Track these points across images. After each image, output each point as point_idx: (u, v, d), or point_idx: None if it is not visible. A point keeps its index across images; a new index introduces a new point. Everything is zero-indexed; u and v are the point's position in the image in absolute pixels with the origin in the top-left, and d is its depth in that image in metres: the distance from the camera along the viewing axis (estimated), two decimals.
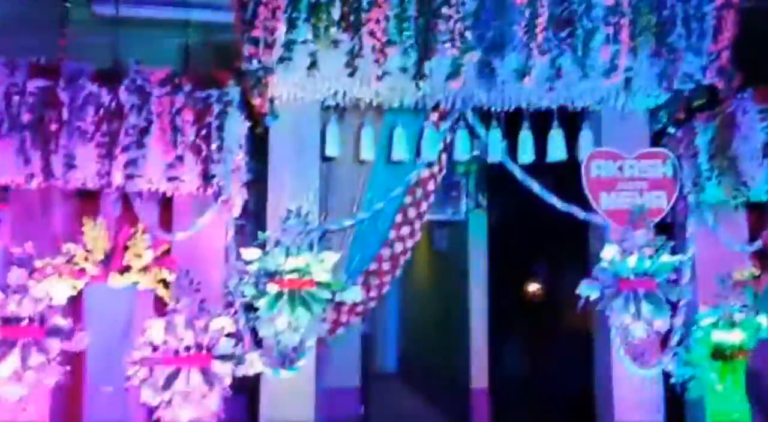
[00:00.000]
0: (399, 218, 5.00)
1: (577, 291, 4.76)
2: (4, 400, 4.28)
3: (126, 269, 4.49)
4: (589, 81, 4.40)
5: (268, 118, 4.49)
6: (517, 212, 6.44)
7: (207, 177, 3.91)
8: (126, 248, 4.51)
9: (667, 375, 4.75)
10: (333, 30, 3.84)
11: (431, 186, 5.06)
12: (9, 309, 4.30)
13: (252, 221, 4.77)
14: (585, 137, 4.94)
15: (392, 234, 5.00)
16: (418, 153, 4.93)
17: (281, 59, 3.80)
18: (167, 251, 4.58)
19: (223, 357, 4.45)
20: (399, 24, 3.82)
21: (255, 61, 3.88)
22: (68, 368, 4.32)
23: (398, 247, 5.00)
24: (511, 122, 4.93)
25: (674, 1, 3.96)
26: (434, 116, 4.93)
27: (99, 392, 4.53)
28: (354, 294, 4.68)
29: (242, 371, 4.48)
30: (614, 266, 4.75)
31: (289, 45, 3.78)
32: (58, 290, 4.38)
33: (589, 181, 4.91)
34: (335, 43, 3.87)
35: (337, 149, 4.80)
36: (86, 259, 4.43)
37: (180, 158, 3.84)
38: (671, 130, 4.84)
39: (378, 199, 4.94)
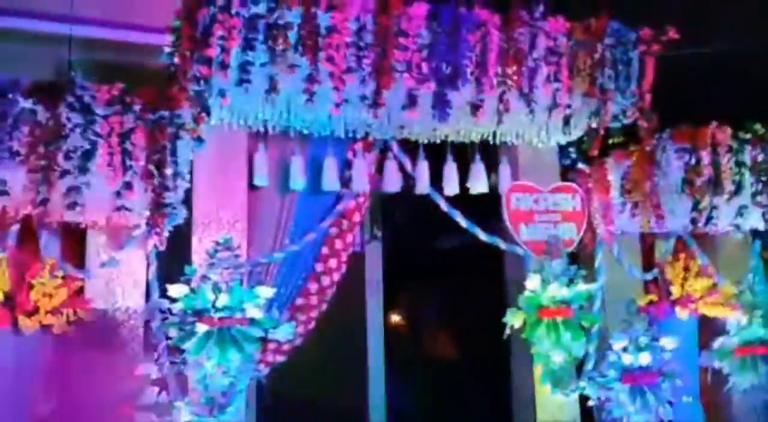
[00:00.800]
0: (325, 250, 4.87)
1: (504, 320, 4.88)
2: None
3: (34, 310, 3.95)
4: (511, 116, 4.59)
5: (194, 143, 4.19)
6: (411, 244, 6.53)
7: (159, 206, 3.54)
8: (31, 286, 3.97)
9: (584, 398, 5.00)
10: (290, 54, 3.68)
11: (357, 217, 4.98)
12: None
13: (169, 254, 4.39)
14: (504, 170, 5.13)
15: (319, 267, 4.85)
16: (343, 184, 4.85)
17: (240, 81, 3.57)
18: (80, 290, 4.09)
19: (148, 408, 4.05)
20: (357, 52, 3.75)
21: (202, 83, 3.61)
22: None
23: (325, 280, 4.85)
24: (431, 155, 5.01)
25: (604, 46, 4.26)
26: (359, 146, 4.89)
27: None
28: (287, 332, 4.44)
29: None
30: (536, 295, 4.93)
31: (245, 67, 3.57)
32: None
33: (509, 213, 5.09)
34: (292, 67, 3.71)
35: (265, 178, 4.59)
36: None
37: (129, 185, 3.45)
38: (581, 165, 5.16)
39: (304, 230, 4.78)
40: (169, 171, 3.51)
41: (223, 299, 4.25)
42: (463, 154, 5.02)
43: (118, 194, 3.46)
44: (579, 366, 5.05)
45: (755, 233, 5.30)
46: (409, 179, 4.97)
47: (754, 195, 4.53)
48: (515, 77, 4.06)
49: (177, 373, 4.18)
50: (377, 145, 4.92)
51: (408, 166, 4.95)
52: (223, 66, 3.58)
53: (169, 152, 3.50)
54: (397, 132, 4.80)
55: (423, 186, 4.93)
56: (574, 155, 5.17)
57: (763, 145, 4.53)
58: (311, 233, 4.72)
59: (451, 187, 4.97)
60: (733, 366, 5.24)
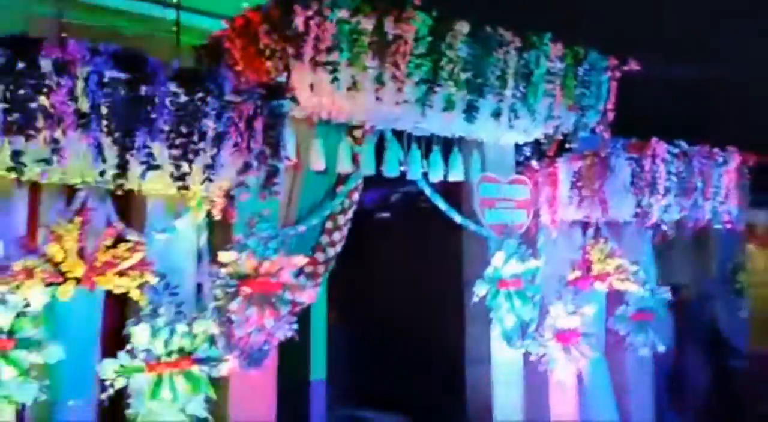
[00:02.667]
0: (329, 224, 5.45)
1: (474, 289, 5.81)
2: None
3: (101, 272, 4.21)
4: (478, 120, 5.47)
5: None
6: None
7: (268, 183, 3.97)
8: (104, 250, 4.23)
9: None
10: (364, 56, 4.28)
11: (356, 196, 5.60)
12: None
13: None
14: (475, 162, 6.02)
15: (324, 239, 5.43)
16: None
17: (334, 79, 4.10)
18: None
19: (203, 361, 4.46)
20: (416, 59, 4.42)
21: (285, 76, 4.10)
22: (46, 382, 3.93)
23: (330, 252, 5.45)
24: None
25: (583, 70, 5.28)
26: (358, 133, 5.51)
27: (68, 406, 4.16)
28: (310, 295, 5.01)
29: (217, 372, 4.54)
30: (497, 270, 5.91)
31: (335, 66, 4.11)
32: (36, 296, 3.95)
33: (479, 200, 6.00)
34: (365, 68, 4.30)
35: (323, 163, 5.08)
36: (63, 261, 4.06)
37: (249, 165, 3.85)
38: (533, 163, 6.20)
39: (311, 206, 5.34)
40: (279, 153, 3.95)
41: (266, 266, 4.76)
42: (446, 147, 5.85)
43: (240, 171, 3.85)
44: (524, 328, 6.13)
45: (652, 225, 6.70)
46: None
47: (675, 196, 5.83)
48: (524, 91, 4.95)
49: (224, 331, 4.61)
50: (375, 134, 5.58)
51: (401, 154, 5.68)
52: (317, 64, 4.08)
53: (280, 137, 3.93)
54: (393, 124, 5.50)
55: (415, 173, 5.68)
56: (528, 154, 6.21)
57: (685, 159, 5.84)
58: (326, 208, 5.30)
59: (436, 174, 5.78)
60: (630, 329, 6.62)
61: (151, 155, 3.49)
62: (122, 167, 3.47)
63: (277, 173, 4.02)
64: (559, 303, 6.21)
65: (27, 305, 3.91)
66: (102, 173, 3.51)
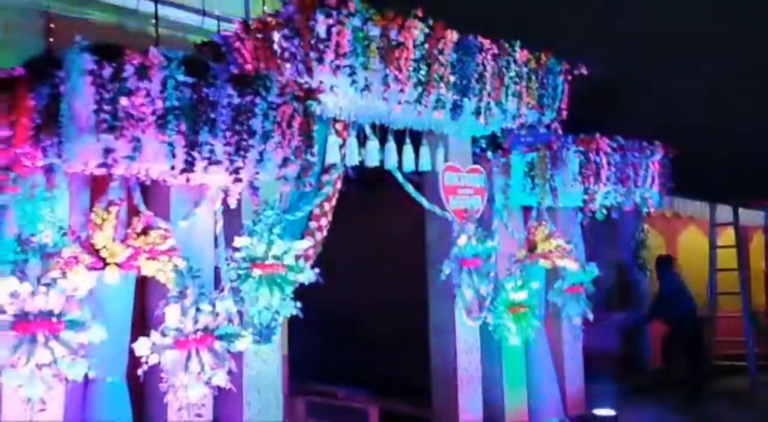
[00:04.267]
0: (317, 210, 5.92)
1: (442, 267, 6.45)
2: (22, 400, 3.99)
3: (136, 258, 4.53)
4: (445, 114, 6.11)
5: None
6: None
7: (304, 175, 4.39)
8: (135, 237, 4.54)
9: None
10: (373, 61, 4.79)
11: (339, 184, 6.09)
12: (36, 304, 4.01)
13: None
14: (440, 153, 6.64)
15: (313, 225, 5.90)
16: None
17: (352, 82, 4.58)
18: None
19: (224, 337, 4.86)
20: (414, 64, 4.98)
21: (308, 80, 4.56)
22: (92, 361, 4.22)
23: (318, 236, 5.92)
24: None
25: (543, 74, 6.02)
26: (339, 126, 6.00)
27: (104, 383, 4.46)
28: (309, 276, 5.47)
29: (235, 348, 4.95)
30: (461, 249, 6.59)
31: (353, 69, 4.59)
32: (84, 281, 4.23)
33: (444, 187, 6.64)
34: (374, 71, 4.81)
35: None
36: (104, 248, 4.35)
37: (286, 159, 4.25)
38: (488, 154, 6.91)
39: (300, 195, 5.79)
40: (312, 149, 4.38)
41: (274, 249, 5.18)
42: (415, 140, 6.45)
43: (281, 166, 4.25)
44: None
45: (580, 209, 7.60)
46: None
47: (613, 184, 6.71)
48: (497, 91, 5.62)
49: (239, 309, 5.02)
50: (354, 127, 6.08)
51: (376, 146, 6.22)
52: (337, 67, 4.54)
53: (311, 134, 4.36)
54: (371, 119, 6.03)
55: (392, 162, 6.24)
56: (483, 146, 6.91)
57: (621, 151, 6.72)
58: (318, 196, 5.76)
59: (408, 164, 6.36)
60: (565, 300, 7.50)
61: (213, 151, 3.86)
62: (189, 163, 3.81)
63: (311, 167, 4.47)
64: (511, 279, 6.99)
65: (74, 289, 4.18)
66: (173, 168, 3.85)
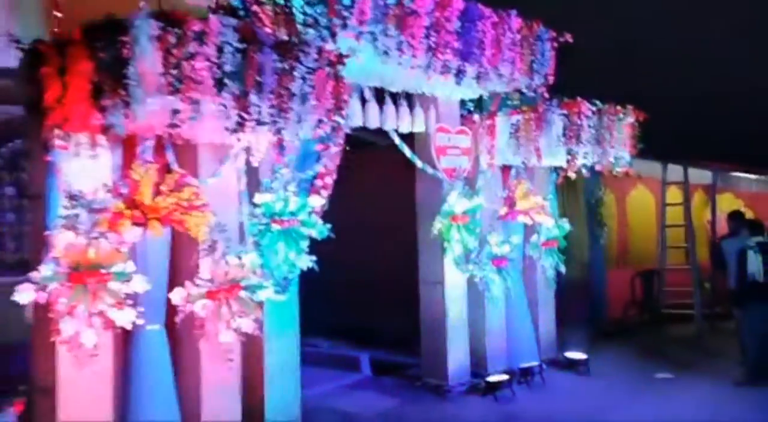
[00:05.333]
0: (322, 169, 6.22)
1: (434, 223, 6.88)
2: (77, 346, 4.25)
3: (171, 213, 4.78)
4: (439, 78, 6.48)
5: None
6: None
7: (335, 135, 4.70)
8: (170, 193, 4.78)
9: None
10: (391, 27, 5.11)
11: (341, 143, 6.39)
12: (88, 256, 4.26)
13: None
14: (432, 115, 7.01)
15: (319, 182, 6.20)
16: None
17: (375, 47, 4.90)
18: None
19: (248, 288, 5.18)
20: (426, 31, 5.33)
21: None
22: (140, 310, 4.49)
23: (324, 193, 6.23)
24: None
25: (533, 42, 6.42)
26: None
27: (145, 331, 4.74)
28: (321, 230, 5.80)
29: (258, 297, 5.27)
30: (451, 207, 7.02)
31: (374, 35, 4.91)
32: (129, 234, 4.48)
33: (435, 148, 7.03)
34: (390, 37, 5.13)
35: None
36: (145, 204, 4.59)
37: (320, 121, 4.53)
38: (475, 116, 7.32)
39: (305, 154, 6.09)
40: (342, 111, 4.67)
41: (291, 206, 5.50)
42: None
43: (316, 126, 4.54)
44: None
45: (555, 168, 8.12)
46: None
47: (591, 145, 7.21)
48: (495, 57, 6.01)
49: (260, 263, 5.32)
50: (356, 89, 6.37)
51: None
52: (360, 33, 4.82)
53: (341, 97, 4.64)
54: (373, 82, 6.35)
55: (390, 123, 6.58)
56: (471, 108, 7.31)
57: (599, 115, 7.21)
58: (326, 156, 6.06)
59: (404, 125, 6.72)
60: (540, 254, 8.06)
61: (260, 112, 4.12)
62: (240, 124, 4.07)
63: (341, 128, 4.77)
64: (494, 234, 7.48)
65: (120, 242, 4.43)
66: (226, 128, 4.10)
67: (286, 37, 4.73)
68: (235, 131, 4.10)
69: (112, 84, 3.76)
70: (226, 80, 3.88)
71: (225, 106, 3.95)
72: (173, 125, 3.88)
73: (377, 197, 8.14)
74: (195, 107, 3.80)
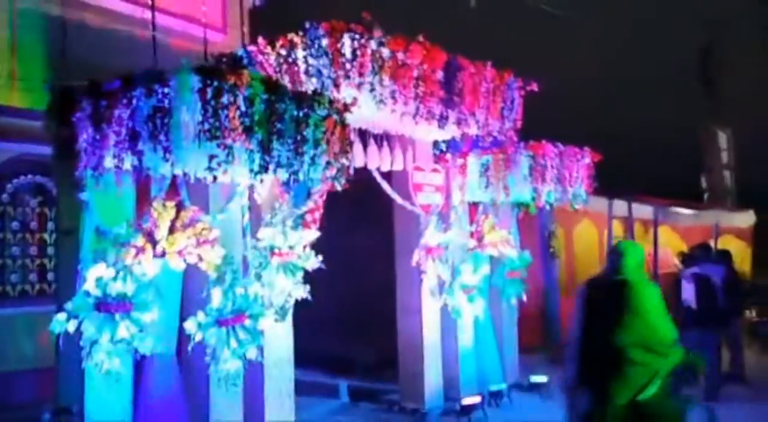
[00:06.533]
0: (311, 204, 6.65)
1: (413, 255, 7.37)
2: (106, 369, 4.55)
3: (186, 247, 5.13)
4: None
5: None
6: None
7: (341, 175, 5.16)
8: (183, 228, 5.14)
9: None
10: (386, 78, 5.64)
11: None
12: (114, 287, 4.58)
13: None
14: (409, 155, 7.54)
15: (309, 217, 6.62)
16: None
17: (373, 97, 5.40)
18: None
19: (253, 316, 5.55)
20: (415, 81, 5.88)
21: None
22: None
23: (313, 227, 6.65)
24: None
25: (504, 90, 7.06)
26: None
27: (159, 357, 5.05)
28: (314, 262, 6.21)
29: (261, 326, 5.63)
30: (427, 240, 7.53)
31: (372, 85, 5.42)
32: (150, 267, 4.82)
33: (413, 185, 7.55)
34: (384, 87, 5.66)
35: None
36: (163, 238, 4.94)
37: (329, 163, 5.00)
38: (448, 155, 7.89)
39: (297, 191, 6.52)
40: (348, 154, 5.14)
41: (291, 240, 5.90)
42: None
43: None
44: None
45: (518, 203, 8.75)
46: None
47: (554, 183, 7.87)
48: (472, 104, 6.60)
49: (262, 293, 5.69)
50: None
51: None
52: (360, 84, 5.32)
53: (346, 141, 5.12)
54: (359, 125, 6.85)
55: (374, 162, 7.07)
56: (443, 148, 7.89)
57: (560, 157, 7.89)
58: (316, 193, 6.49)
59: (386, 164, 7.23)
60: (505, 283, 8.63)
61: (280, 156, 4.54)
62: (262, 167, 4.48)
63: (347, 169, 5.23)
64: (465, 265, 8.01)
65: (143, 274, 4.76)
66: (251, 171, 4.50)
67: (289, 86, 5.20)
68: (258, 172, 4.52)
69: (151, 131, 4.14)
70: (254, 127, 4.30)
71: (252, 151, 4.37)
72: (210, 169, 4.27)
73: (356, 230, 8.58)
74: (229, 152, 4.21)
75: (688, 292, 8.24)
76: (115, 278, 4.55)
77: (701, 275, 8.32)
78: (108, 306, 4.53)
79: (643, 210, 13.59)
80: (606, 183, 11.13)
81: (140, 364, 5.00)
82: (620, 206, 12.57)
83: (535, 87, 7.29)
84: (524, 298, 8.77)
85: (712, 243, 13.98)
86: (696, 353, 6.24)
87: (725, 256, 9.60)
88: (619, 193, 12.27)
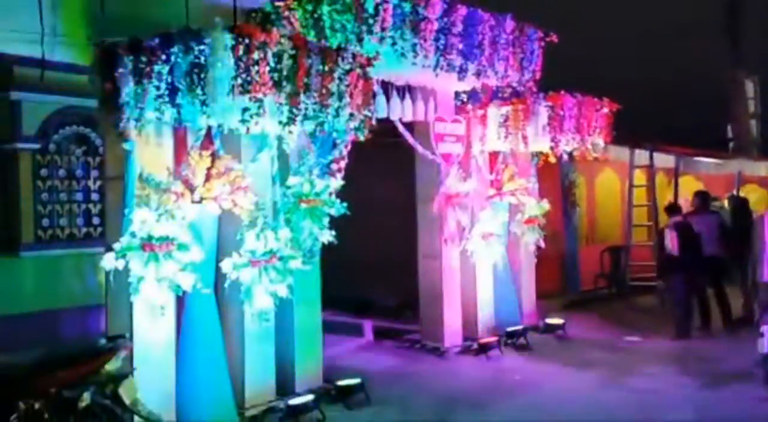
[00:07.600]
0: (337, 154, 6.99)
1: (434, 203, 7.71)
2: (150, 306, 5.01)
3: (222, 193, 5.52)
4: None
5: None
6: None
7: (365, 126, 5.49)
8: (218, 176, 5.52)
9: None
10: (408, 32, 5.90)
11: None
12: (157, 229, 5.00)
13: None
14: (431, 106, 7.81)
15: (335, 166, 6.96)
16: None
17: (395, 50, 5.67)
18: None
19: (283, 258, 5.96)
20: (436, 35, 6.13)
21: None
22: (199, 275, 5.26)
23: (338, 176, 6.98)
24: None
25: (524, 41, 7.26)
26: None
27: (199, 295, 5.49)
28: (339, 209, 6.57)
29: (290, 266, 6.03)
30: (447, 188, 7.85)
31: (394, 39, 5.69)
32: (189, 211, 5.22)
33: (434, 135, 7.84)
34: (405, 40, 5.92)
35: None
36: (201, 185, 5.34)
37: (353, 115, 5.32)
38: (468, 106, 8.14)
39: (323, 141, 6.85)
40: (371, 106, 5.46)
41: (316, 187, 6.26)
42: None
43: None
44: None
45: (536, 154, 9.00)
46: None
47: (572, 133, 8.12)
48: (491, 56, 6.83)
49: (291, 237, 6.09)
50: None
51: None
52: (382, 38, 5.59)
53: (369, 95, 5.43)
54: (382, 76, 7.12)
55: (397, 113, 7.36)
56: (464, 99, 8.14)
57: (578, 107, 8.11)
58: (341, 143, 6.82)
59: (408, 115, 7.52)
60: (523, 230, 8.95)
61: (307, 109, 4.87)
62: (291, 119, 4.82)
63: (370, 120, 5.54)
64: (485, 213, 8.35)
65: (182, 218, 5.17)
66: (280, 122, 4.85)
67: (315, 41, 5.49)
68: (287, 124, 4.85)
69: (189, 85, 4.48)
70: (283, 82, 4.63)
71: (281, 103, 4.70)
72: (243, 121, 4.62)
73: (379, 179, 8.92)
74: (260, 105, 4.55)
75: (671, 240, 8.61)
76: (158, 221, 4.96)
77: (682, 224, 8.70)
78: (152, 246, 4.95)
79: (666, 159, 13.69)
80: (630, 132, 11.32)
81: (182, 299, 5.45)
82: (642, 156, 12.69)
83: (555, 38, 7.48)
84: (542, 245, 9.09)
85: (735, 192, 14.15)
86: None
87: (742, 203, 9.86)
88: (640, 142, 12.40)
